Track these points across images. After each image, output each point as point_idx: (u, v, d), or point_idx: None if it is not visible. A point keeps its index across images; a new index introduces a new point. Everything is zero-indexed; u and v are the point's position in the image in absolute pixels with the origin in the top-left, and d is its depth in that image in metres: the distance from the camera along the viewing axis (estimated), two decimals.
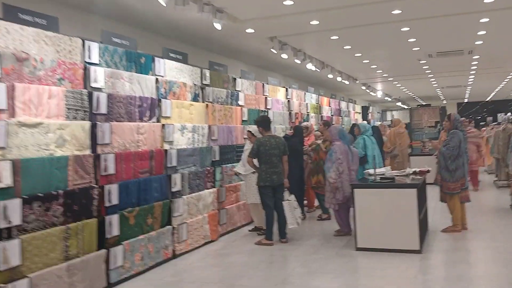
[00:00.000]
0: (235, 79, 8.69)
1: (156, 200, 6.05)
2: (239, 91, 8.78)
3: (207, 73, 7.71)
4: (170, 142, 6.48)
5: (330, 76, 13.62)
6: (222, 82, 8.21)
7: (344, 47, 10.45)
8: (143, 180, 5.83)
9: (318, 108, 13.89)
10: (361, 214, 6.33)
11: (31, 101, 4.41)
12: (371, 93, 21.18)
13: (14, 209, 4.08)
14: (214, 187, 7.46)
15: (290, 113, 11.24)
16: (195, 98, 7.26)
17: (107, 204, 5.21)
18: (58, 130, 4.66)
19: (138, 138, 5.86)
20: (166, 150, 6.33)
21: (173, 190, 6.39)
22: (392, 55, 12.08)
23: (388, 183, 6.42)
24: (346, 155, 6.98)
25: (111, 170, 5.31)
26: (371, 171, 7.16)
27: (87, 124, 5.03)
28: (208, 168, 7.32)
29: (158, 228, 6.06)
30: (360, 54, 11.62)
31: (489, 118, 17.72)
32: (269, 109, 10.02)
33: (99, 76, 5.30)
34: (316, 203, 9.27)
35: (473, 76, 17.72)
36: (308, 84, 14.84)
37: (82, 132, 4.95)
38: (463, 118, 9.39)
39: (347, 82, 15.61)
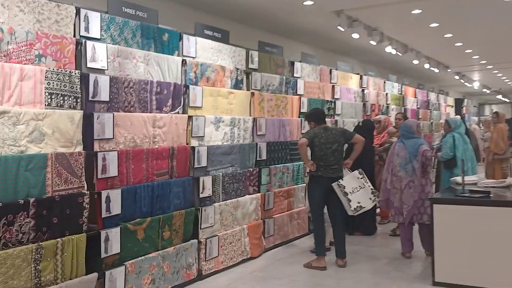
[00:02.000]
0: (292, 63, 7.34)
1: (177, 208, 4.93)
2: (298, 77, 7.42)
3: (255, 55, 6.45)
4: (200, 138, 5.32)
5: (416, 62, 11.74)
6: (275, 66, 6.91)
7: (431, 25, 8.59)
8: (159, 184, 4.72)
9: (401, 100, 12.09)
10: (441, 238, 4.78)
11: None
12: (466, 83, 18.70)
13: None
14: (259, 192, 6.20)
15: (364, 105, 9.67)
16: (236, 85, 6.04)
17: (104, 214, 4.15)
18: (33, 121, 3.65)
19: (155, 132, 4.75)
20: (193, 148, 5.17)
21: (202, 196, 5.23)
22: (491, 35, 9.94)
23: (480, 198, 4.77)
24: (391, 157, 5.81)
25: (113, 171, 4.25)
26: (458, 179, 5.53)
27: (77, 113, 3.98)
28: (251, 169, 6.07)
29: (179, 243, 4.93)
30: (451, 35, 9.66)
31: None
32: (337, 99, 8.55)
33: (99, 54, 4.23)
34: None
35: None
36: (389, 72, 13.02)
37: (69, 124, 3.91)
38: None
39: (436, 70, 13.57)
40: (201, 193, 5.21)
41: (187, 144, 5.15)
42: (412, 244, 5.82)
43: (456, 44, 10.82)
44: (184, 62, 5.20)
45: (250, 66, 6.34)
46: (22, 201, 3.50)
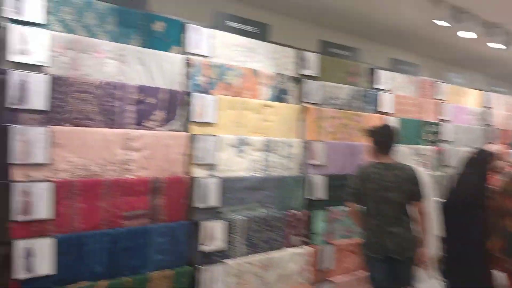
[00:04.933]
0: (372, 70, 5.50)
1: (160, 266, 3.43)
2: (382, 89, 5.55)
3: (313, 57, 4.78)
4: (210, 166, 3.80)
5: None
6: (345, 74, 5.15)
7: None
8: (127, 231, 3.28)
9: None
10: None
11: None
12: None
13: None
14: (308, 244, 4.44)
15: (487, 130, 7.31)
16: (279, 97, 4.43)
17: (21, 275, 2.82)
18: None
19: (127, 156, 3.35)
20: (193, 179, 3.66)
21: (207, 249, 3.67)
22: None
23: None
24: None
25: (42, 212, 2.91)
26: None
27: None
28: (296, 212, 4.36)
29: None
30: None
31: None
32: (443, 120, 6.42)
33: (35, 44, 2.98)
34: None
35: None
36: None
37: None
38: None
39: None
40: (203, 244, 3.65)
41: (186, 174, 3.66)
42: None
43: None
44: (188, 62, 3.76)
45: (303, 72, 4.69)
46: None
